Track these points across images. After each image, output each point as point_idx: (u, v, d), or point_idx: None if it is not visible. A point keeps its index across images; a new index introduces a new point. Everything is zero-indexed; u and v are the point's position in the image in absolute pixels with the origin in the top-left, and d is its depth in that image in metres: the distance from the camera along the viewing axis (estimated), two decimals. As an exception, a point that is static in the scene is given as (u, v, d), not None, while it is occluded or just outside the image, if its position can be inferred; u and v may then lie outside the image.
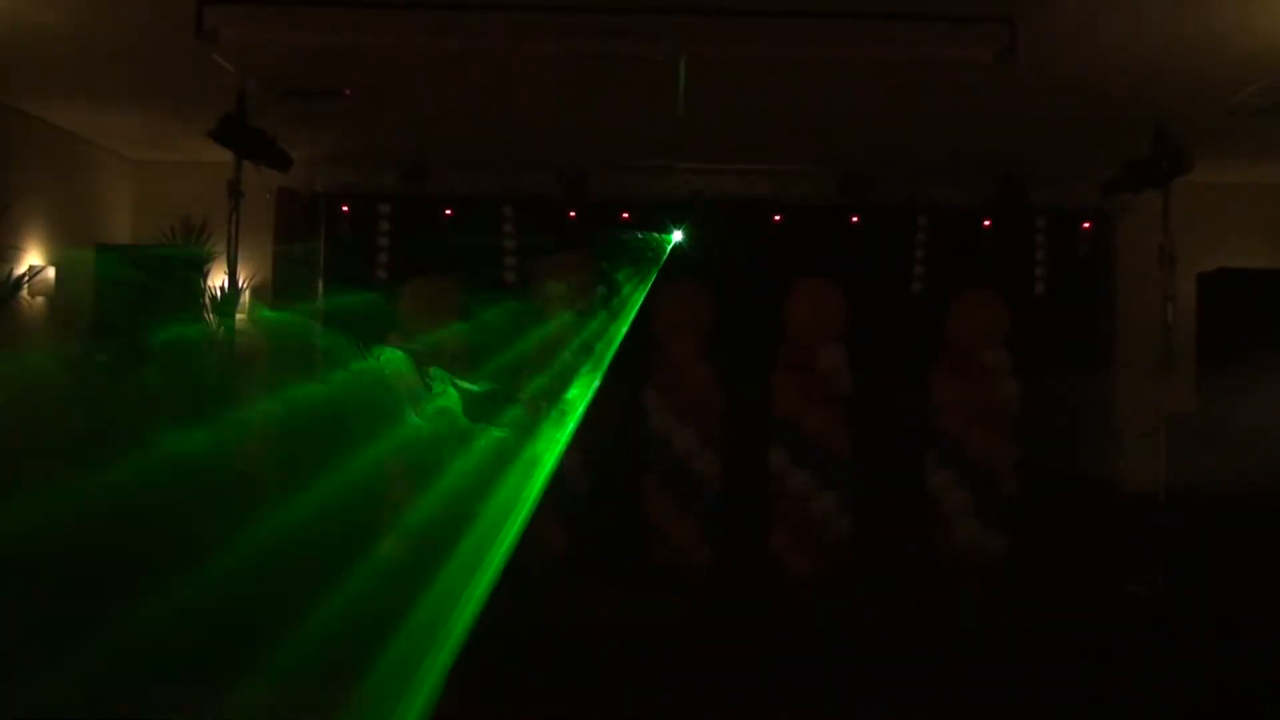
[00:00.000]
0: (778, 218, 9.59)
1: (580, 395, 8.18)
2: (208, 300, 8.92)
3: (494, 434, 7.60)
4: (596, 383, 8.28)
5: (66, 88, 7.74)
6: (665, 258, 9.26)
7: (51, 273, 8.48)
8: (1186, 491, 7.51)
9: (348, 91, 7.49)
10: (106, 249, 8.86)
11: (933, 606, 8.19)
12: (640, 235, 9.15)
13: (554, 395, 8.15)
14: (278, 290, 9.58)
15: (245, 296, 9.27)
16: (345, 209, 9.71)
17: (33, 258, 8.37)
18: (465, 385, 7.59)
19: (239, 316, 8.67)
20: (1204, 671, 6.33)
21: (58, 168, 8.91)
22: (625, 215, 9.51)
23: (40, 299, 8.40)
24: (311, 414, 7.80)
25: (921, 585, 8.75)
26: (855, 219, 9.57)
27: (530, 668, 6.51)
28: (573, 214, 9.56)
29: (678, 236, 9.38)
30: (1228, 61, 6.40)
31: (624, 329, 8.60)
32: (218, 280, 8.82)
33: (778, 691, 6.41)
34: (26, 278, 8.13)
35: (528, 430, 7.87)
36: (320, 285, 9.74)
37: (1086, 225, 9.58)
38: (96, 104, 8.16)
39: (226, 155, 7.58)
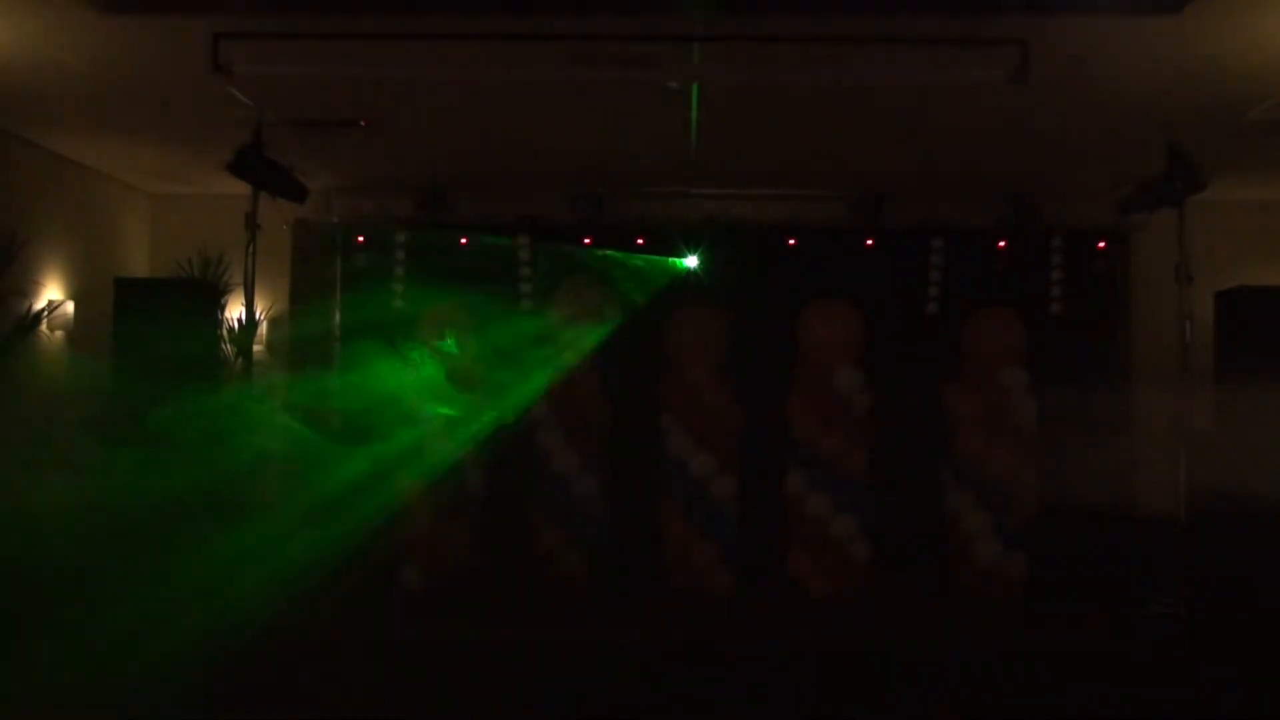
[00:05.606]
0: (793, 241, 9.63)
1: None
2: (225, 332, 8.96)
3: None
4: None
5: (84, 123, 7.82)
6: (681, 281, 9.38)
7: (70, 307, 8.54)
8: (1206, 510, 7.47)
9: (363, 122, 7.55)
10: (125, 282, 8.92)
11: (953, 627, 8.14)
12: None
13: None
14: (295, 321, 9.62)
15: (262, 328, 9.32)
16: (361, 239, 9.75)
17: (52, 292, 8.45)
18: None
19: (256, 348, 8.71)
20: (1226, 692, 6.29)
21: (76, 202, 8.99)
22: (640, 240, 9.55)
23: (59, 333, 8.46)
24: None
25: (942, 606, 8.70)
26: (870, 241, 9.60)
27: (547, 691, 6.51)
28: (588, 240, 9.59)
29: (692, 261, 9.44)
30: (1241, 78, 6.40)
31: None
32: (235, 312, 8.87)
33: (798, 715, 6.39)
34: (46, 312, 8.20)
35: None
36: (337, 315, 9.78)
37: (1102, 244, 9.58)
38: (114, 139, 8.25)
39: (243, 188, 7.63)
